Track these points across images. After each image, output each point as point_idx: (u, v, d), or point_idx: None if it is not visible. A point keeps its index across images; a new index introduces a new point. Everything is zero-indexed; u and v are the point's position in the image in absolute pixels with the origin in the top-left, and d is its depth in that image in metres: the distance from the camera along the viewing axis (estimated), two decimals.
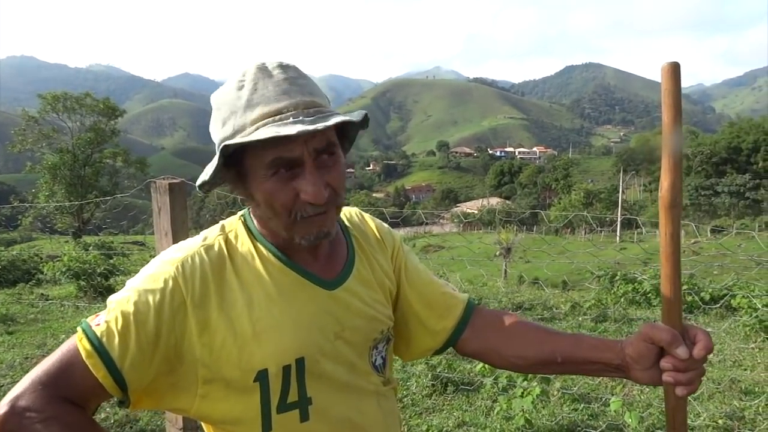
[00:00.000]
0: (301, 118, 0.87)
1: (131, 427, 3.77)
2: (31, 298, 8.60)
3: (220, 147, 0.88)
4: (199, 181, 0.95)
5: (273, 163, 0.89)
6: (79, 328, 0.90)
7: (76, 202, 10.53)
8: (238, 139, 0.87)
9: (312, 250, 1.02)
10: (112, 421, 3.79)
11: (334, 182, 0.93)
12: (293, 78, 0.92)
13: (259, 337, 0.93)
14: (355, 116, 0.92)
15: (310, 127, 0.84)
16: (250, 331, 0.92)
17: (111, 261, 10.59)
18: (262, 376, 0.93)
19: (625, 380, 2.71)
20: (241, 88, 0.91)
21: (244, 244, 0.99)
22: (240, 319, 0.92)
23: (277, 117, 0.87)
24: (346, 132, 1.02)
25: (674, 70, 0.90)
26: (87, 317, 0.93)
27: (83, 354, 0.86)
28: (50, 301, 8.19)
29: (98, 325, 0.88)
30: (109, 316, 0.89)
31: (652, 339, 0.95)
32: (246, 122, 0.89)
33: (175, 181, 2.20)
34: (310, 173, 0.90)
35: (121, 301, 0.90)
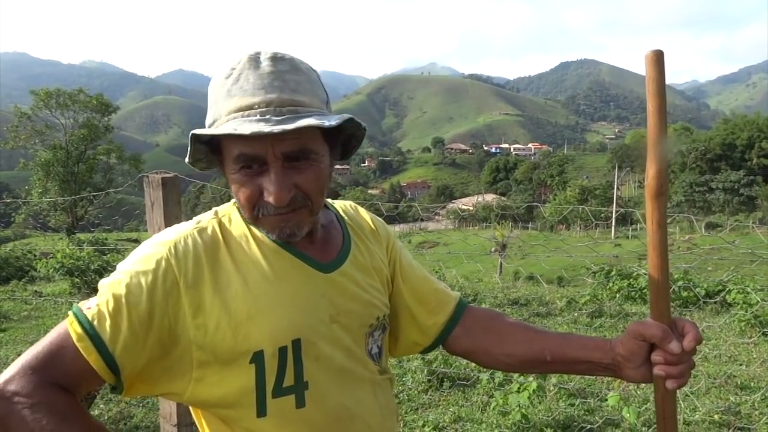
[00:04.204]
0: (268, 117, 0.86)
1: (125, 424, 3.74)
2: (24, 295, 8.57)
3: (190, 135, 0.91)
4: (187, 159, 0.98)
5: (238, 158, 0.90)
6: (70, 312, 0.89)
7: (69, 198, 10.46)
8: (205, 131, 0.89)
9: (307, 234, 1.01)
10: (105, 418, 3.76)
11: (305, 185, 0.91)
12: (280, 72, 0.90)
13: (255, 318, 0.92)
14: (334, 120, 0.87)
15: (266, 129, 0.82)
16: (245, 312, 0.92)
17: (105, 257, 10.55)
18: (258, 358, 0.92)
19: None
20: (228, 76, 0.91)
21: (238, 227, 0.99)
22: (235, 300, 0.92)
23: (246, 113, 0.87)
24: (342, 128, 0.95)
25: (658, 58, 0.90)
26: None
27: (74, 337, 0.85)
28: (44, 298, 8.17)
29: (89, 308, 0.87)
30: (100, 299, 0.88)
31: (643, 336, 0.95)
32: (221, 113, 0.90)
33: (168, 175, 2.17)
34: (274, 174, 0.89)
35: (113, 284, 0.89)
